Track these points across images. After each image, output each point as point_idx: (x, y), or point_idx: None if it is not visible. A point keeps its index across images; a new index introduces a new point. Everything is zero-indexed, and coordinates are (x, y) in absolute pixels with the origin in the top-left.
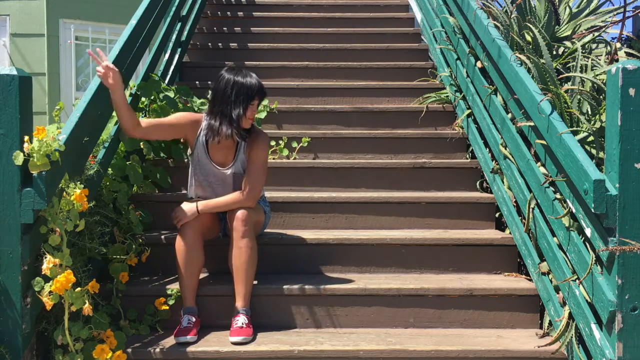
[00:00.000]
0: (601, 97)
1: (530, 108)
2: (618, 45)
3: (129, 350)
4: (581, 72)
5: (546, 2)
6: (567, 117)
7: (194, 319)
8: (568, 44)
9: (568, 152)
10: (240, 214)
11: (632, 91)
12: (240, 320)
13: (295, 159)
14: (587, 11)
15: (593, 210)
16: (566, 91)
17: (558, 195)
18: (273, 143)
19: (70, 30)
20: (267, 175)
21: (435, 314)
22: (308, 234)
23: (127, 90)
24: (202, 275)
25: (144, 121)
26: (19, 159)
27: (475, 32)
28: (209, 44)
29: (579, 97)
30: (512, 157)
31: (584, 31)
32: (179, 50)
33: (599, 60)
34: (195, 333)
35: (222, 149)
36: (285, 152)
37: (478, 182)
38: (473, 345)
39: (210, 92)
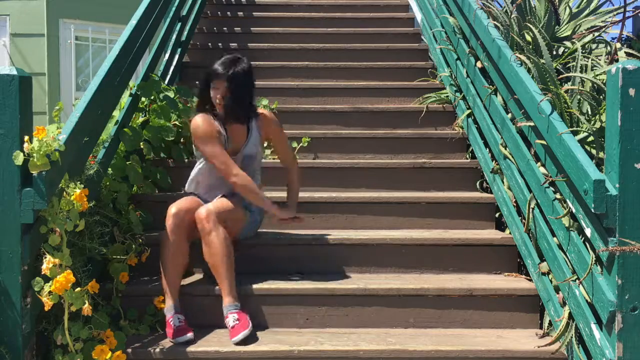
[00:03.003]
0: (601, 97)
1: (530, 108)
2: (618, 45)
3: (129, 350)
4: (581, 72)
5: (546, 2)
6: (567, 117)
7: (183, 317)
8: (568, 44)
9: (568, 152)
10: (202, 212)
11: (632, 91)
12: (231, 319)
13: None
14: (587, 11)
15: (593, 211)
16: (566, 91)
17: (558, 195)
18: None
19: (70, 30)
20: (268, 175)
21: (435, 314)
22: (308, 234)
23: (127, 90)
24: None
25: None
26: (19, 159)
27: (475, 32)
28: (209, 44)
29: (579, 97)
30: (512, 157)
31: (584, 31)
32: (179, 50)
33: (599, 60)
34: (191, 330)
35: (234, 134)
36: None
37: (478, 182)
38: (473, 345)
39: None
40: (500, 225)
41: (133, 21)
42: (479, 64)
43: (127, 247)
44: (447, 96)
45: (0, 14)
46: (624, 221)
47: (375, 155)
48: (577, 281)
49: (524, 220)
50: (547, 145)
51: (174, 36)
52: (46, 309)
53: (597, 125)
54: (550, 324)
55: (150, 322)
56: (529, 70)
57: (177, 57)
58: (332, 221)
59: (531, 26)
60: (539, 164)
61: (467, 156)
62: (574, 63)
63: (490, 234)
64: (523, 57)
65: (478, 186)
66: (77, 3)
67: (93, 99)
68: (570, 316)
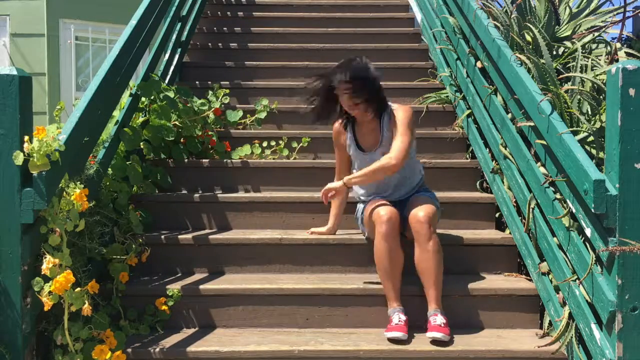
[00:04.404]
0: (601, 97)
1: (530, 108)
2: (618, 45)
3: (129, 350)
4: (581, 72)
5: (546, 2)
6: (567, 117)
7: (404, 317)
8: (568, 44)
9: (568, 152)
10: (423, 214)
11: (632, 91)
12: (439, 319)
13: (295, 159)
14: (587, 11)
15: (593, 211)
16: (566, 91)
17: (558, 195)
18: (273, 143)
19: (70, 30)
20: (267, 175)
21: None
22: (308, 234)
23: (128, 90)
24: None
25: (338, 177)
26: (19, 159)
27: (475, 32)
28: (209, 44)
29: (579, 97)
30: (512, 157)
31: (584, 31)
32: (179, 50)
33: (599, 60)
34: (406, 331)
35: (367, 134)
36: (285, 152)
37: (478, 182)
38: (473, 345)
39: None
40: (500, 225)
41: (133, 21)
42: (479, 64)
43: (127, 247)
44: (447, 96)
45: (0, 14)
46: (624, 221)
47: None
48: (577, 281)
49: (524, 220)
50: (547, 145)
51: (174, 36)
52: (46, 309)
53: (597, 125)
54: (550, 324)
55: (150, 322)
56: (529, 70)
57: (177, 57)
58: None
59: (531, 26)
60: (539, 164)
61: (467, 156)
62: (574, 63)
63: (490, 233)
64: (523, 57)
65: (478, 186)
66: (77, 3)
67: (93, 99)
68: (570, 316)
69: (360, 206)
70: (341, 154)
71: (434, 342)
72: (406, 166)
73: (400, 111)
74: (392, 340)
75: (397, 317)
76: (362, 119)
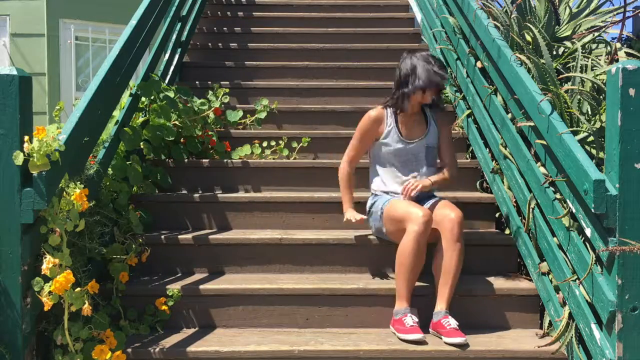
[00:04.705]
0: (601, 97)
1: (530, 108)
2: (618, 45)
3: (129, 350)
4: (581, 72)
5: (546, 2)
6: (567, 117)
7: (416, 319)
8: (568, 44)
9: (568, 152)
10: (456, 215)
11: (632, 91)
12: (453, 322)
13: (295, 159)
14: (587, 11)
15: (593, 211)
16: (566, 91)
17: (558, 195)
18: (273, 143)
19: (70, 30)
20: (267, 175)
21: None
22: (308, 234)
23: (128, 90)
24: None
25: (350, 164)
26: (19, 159)
27: (475, 32)
28: (209, 44)
29: (579, 97)
30: (512, 157)
31: (584, 31)
32: (179, 50)
33: (599, 60)
34: (421, 331)
35: (412, 124)
36: (285, 152)
37: (478, 182)
38: (473, 345)
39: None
40: (500, 225)
41: (133, 21)
42: (478, 64)
43: (127, 247)
44: (447, 96)
45: (0, 14)
46: (624, 221)
47: None
48: (577, 281)
49: (524, 220)
50: (547, 145)
51: (174, 36)
52: (46, 309)
53: (597, 125)
54: (550, 324)
55: (150, 322)
56: (529, 70)
57: (177, 57)
58: (332, 221)
59: (531, 26)
60: (539, 164)
61: (467, 156)
62: (574, 63)
63: (490, 234)
64: (523, 57)
65: (478, 186)
66: (77, 3)
67: (93, 99)
68: (570, 316)
69: (378, 200)
70: (364, 144)
71: (453, 345)
72: (432, 166)
73: (447, 121)
74: (409, 342)
75: (410, 318)
76: (414, 110)
